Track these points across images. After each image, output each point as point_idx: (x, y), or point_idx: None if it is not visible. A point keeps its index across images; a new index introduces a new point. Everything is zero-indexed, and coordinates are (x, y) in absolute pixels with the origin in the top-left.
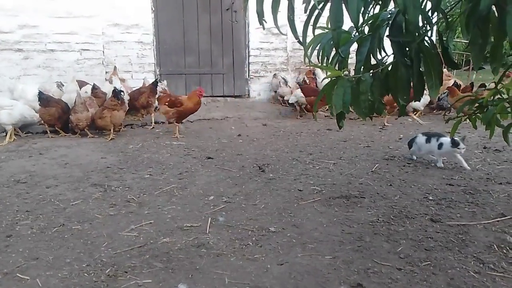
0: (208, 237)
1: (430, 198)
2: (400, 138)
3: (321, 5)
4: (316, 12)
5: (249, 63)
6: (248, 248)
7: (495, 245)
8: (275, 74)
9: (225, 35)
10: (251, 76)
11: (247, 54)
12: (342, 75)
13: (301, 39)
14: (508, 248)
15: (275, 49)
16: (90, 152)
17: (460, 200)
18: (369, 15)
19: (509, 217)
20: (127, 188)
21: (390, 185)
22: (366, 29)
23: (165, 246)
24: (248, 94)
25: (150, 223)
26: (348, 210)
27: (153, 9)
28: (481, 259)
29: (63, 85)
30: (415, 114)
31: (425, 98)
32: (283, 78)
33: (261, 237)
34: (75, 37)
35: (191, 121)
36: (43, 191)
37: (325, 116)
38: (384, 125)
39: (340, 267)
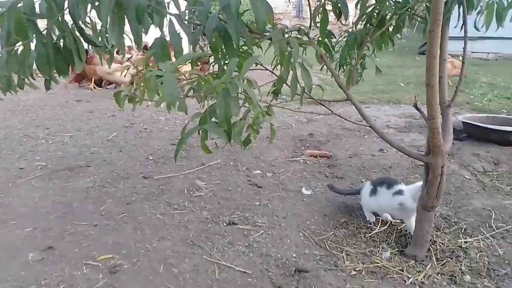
0: None
1: (151, 158)
2: (147, 106)
3: None
4: None
5: None
6: None
7: (186, 190)
8: None
9: None
10: None
11: None
12: None
13: None
14: (194, 189)
15: None
16: None
17: (172, 156)
18: None
19: (206, 165)
20: None
21: (120, 151)
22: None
23: None
24: None
25: None
26: (68, 180)
27: None
28: (170, 203)
29: None
30: None
31: None
32: None
33: None
34: None
35: None
36: None
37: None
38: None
39: (37, 236)
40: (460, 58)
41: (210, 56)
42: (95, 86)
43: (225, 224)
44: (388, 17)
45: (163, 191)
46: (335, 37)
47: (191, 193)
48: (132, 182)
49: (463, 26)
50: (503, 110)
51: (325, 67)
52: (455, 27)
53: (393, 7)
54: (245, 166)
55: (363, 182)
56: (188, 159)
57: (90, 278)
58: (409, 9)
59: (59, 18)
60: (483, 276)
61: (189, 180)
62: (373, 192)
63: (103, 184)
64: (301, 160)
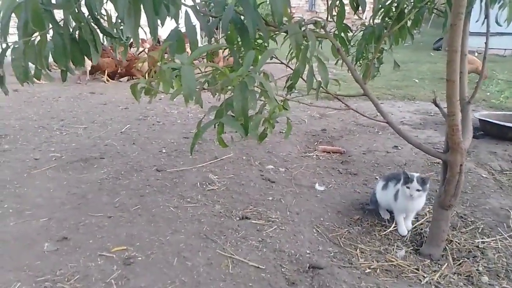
0: None
1: (164, 151)
2: (160, 99)
3: None
4: None
5: None
6: None
7: (199, 183)
8: None
9: None
10: None
11: None
12: None
13: None
14: (207, 183)
15: None
16: None
17: (187, 150)
18: None
19: (219, 159)
20: None
21: (133, 143)
22: None
23: None
24: None
25: None
26: (82, 172)
27: None
28: (183, 196)
29: None
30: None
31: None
32: None
33: None
34: None
35: None
36: None
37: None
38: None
39: (52, 226)
40: (476, 54)
41: (225, 49)
42: (108, 78)
43: (238, 219)
44: (407, 10)
45: (176, 184)
46: (351, 31)
47: (204, 186)
48: (145, 175)
49: (485, 20)
50: None
51: (340, 61)
52: (476, 21)
53: (412, 1)
54: (258, 161)
55: (377, 179)
56: (201, 152)
57: (104, 269)
58: (429, 2)
59: (76, 9)
60: (501, 278)
61: (202, 173)
62: (384, 187)
63: (117, 176)
64: (314, 156)
